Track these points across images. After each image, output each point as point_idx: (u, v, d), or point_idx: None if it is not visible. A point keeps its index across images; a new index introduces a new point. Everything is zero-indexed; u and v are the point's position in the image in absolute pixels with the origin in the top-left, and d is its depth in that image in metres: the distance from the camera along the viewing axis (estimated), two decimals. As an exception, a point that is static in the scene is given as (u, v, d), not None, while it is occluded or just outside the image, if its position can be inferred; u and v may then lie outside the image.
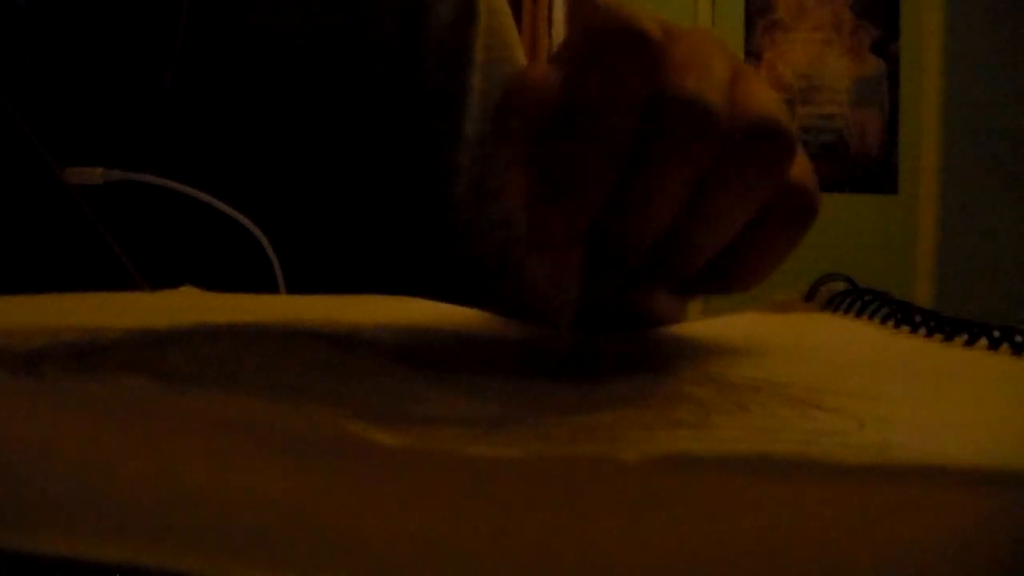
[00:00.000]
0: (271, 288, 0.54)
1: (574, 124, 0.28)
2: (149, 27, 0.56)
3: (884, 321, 0.38)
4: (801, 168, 0.32)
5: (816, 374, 0.29)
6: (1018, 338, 0.33)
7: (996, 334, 0.33)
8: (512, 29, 0.64)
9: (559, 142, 0.28)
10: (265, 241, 0.54)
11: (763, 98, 0.30)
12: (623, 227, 0.29)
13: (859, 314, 0.40)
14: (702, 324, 0.40)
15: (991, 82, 3.20)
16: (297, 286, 0.54)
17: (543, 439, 0.20)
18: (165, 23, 0.56)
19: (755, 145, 0.29)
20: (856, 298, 0.40)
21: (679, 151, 0.28)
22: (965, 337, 0.34)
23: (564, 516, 0.18)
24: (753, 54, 3.42)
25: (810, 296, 0.43)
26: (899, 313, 0.38)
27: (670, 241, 0.29)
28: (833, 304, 0.41)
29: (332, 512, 0.19)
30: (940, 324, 0.36)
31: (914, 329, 0.36)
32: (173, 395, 0.20)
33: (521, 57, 0.64)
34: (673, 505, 0.18)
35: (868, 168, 3.36)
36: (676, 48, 0.29)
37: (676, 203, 0.29)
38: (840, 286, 0.42)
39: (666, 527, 0.18)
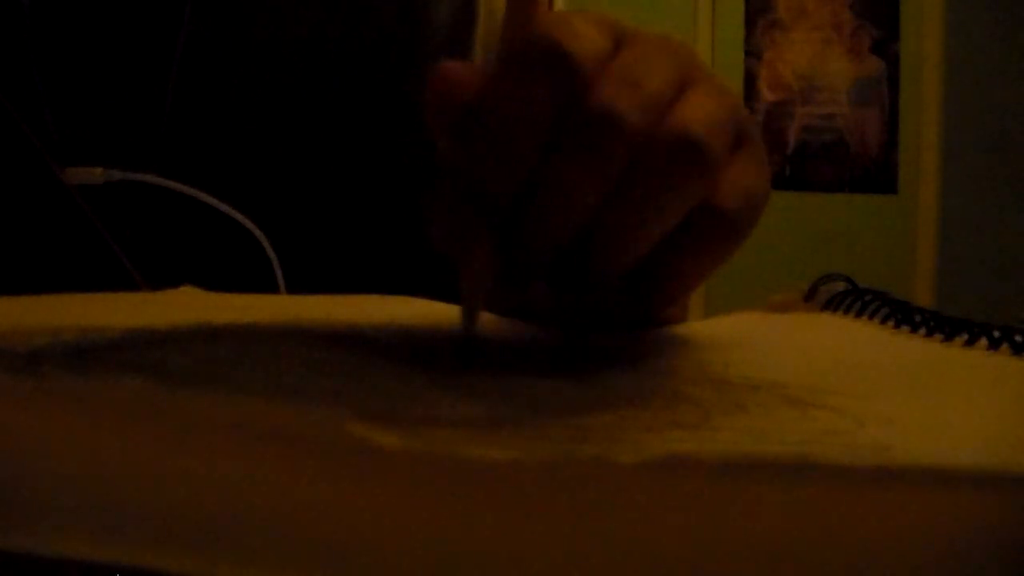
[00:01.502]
0: (271, 288, 0.54)
1: (484, 127, 0.29)
2: (151, 28, 0.56)
3: (884, 321, 0.38)
4: (738, 185, 0.31)
5: (816, 374, 0.29)
6: (1018, 338, 0.33)
7: (996, 334, 0.33)
8: (512, 29, 0.64)
9: (470, 141, 0.29)
10: (265, 241, 0.54)
11: (704, 112, 0.30)
12: (528, 230, 0.29)
13: (859, 314, 0.40)
14: (702, 324, 0.40)
15: (991, 82, 3.20)
16: (297, 286, 0.54)
17: (542, 440, 0.20)
18: (167, 24, 0.56)
19: (670, 160, 0.29)
20: (856, 298, 0.40)
21: (584, 161, 0.28)
22: (965, 337, 0.34)
23: (563, 518, 0.18)
24: (753, 54, 3.42)
25: (810, 296, 0.43)
26: (899, 313, 0.38)
27: (583, 246, 0.30)
28: (833, 304, 0.41)
29: (331, 512, 0.19)
30: (940, 324, 0.36)
31: (914, 329, 0.36)
32: (172, 395, 0.20)
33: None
34: (671, 507, 0.18)
35: (868, 168, 3.36)
36: (619, 58, 0.29)
37: (581, 212, 0.29)
38: (840, 286, 0.42)
39: (664, 529, 0.18)
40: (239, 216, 0.54)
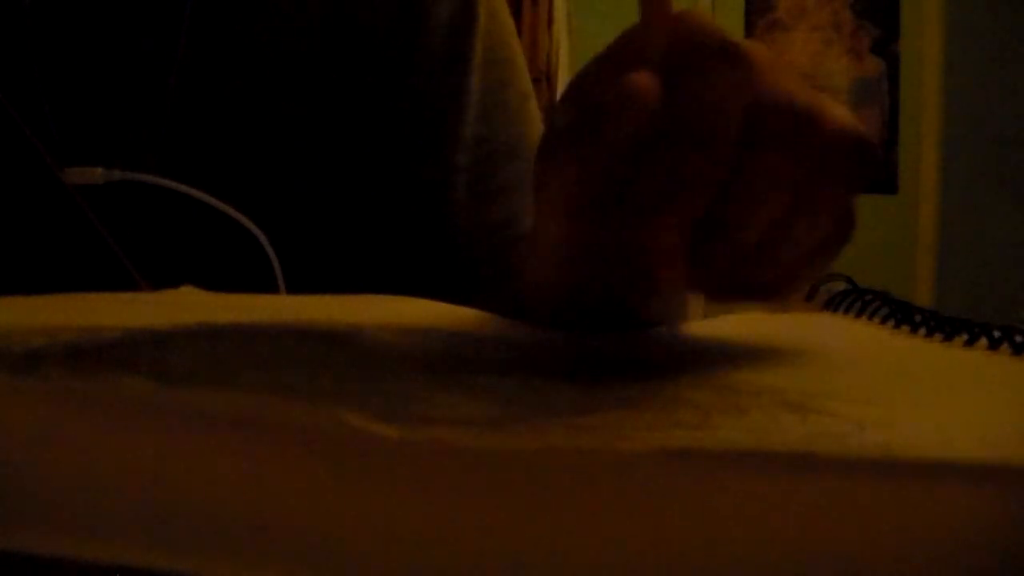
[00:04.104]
0: (271, 288, 0.54)
1: (678, 134, 0.28)
2: (151, 28, 0.56)
3: (884, 321, 0.38)
4: None
5: (816, 376, 0.29)
6: (1018, 338, 0.33)
7: (996, 334, 0.33)
8: (511, 30, 0.64)
9: (664, 151, 0.28)
10: (265, 241, 0.54)
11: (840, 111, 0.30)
12: (724, 234, 0.28)
13: (859, 314, 0.40)
14: (702, 325, 0.40)
15: (991, 82, 3.19)
16: (297, 286, 0.54)
17: (542, 437, 0.20)
18: (167, 24, 0.56)
19: (850, 159, 0.29)
20: (856, 298, 0.40)
21: (782, 155, 0.28)
22: (965, 337, 0.34)
23: (564, 507, 0.18)
24: (753, 54, 3.42)
25: (810, 296, 0.43)
26: (899, 313, 0.38)
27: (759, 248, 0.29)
28: (833, 304, 0.41)
29: (332, 507, 0.19)
30: (940, 324, 0.36)
31: (914, 329, 0.36)
32: (172, 394, 0.20)
33: (520, 59, 0.64)
34: (672, 498, 0.18)
35: (868, 168, 3.36)
36: (755, 57, 0.29)
37: (778, 209, 0.28)
38: (840, 286, 0.42)
39: (665, 519, 0.18)
40: (239, 216, 0.54)
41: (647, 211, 0.28)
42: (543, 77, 2.85)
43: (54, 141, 0.54)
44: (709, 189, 0.28)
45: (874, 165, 0.29)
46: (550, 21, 2.91)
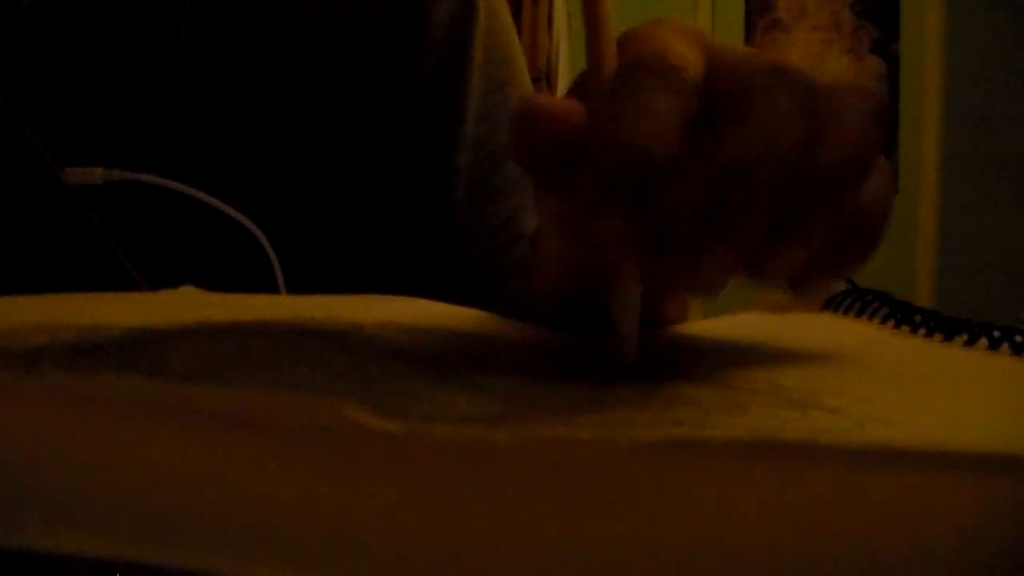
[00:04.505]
0: (271, 288, 0.54)
1: (596, 156, 0.27)
2: (151, 27, 0.56)
3: (884, 321, 0.38)
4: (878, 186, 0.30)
5: (816, 375, 0.29)
6: (1018, 338, 0.33)
7: (996, 334, 0.33)
8: (511, 30, 0.64)
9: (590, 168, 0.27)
10: (265, 241, 0.54)
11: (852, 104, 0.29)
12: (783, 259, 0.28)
13: (859, 314, 0.40)
14: (702, 325, 0.40)
15: (991, 82, 3.20)
16: (297, 286, 0.54)
17: (543, 432, 0.20)
18: (167, 24, 0.56)
19: (843, 165, 0.28)
20: (856, 298, 0.40)
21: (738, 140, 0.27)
22: (965, 337, 0.34)
23: (565, 502, 0.18)
24: (753, 54, 3.42)
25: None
26: (899, 313, 0.38)
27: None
28: (833, 304, 0.41)
29: (333, 503, 0.19)
30: (940, 324, 0.36)
31: (914, 329, 0.36)
32: (172, 394, 0.20)
33: (520, 59, 0.64)
34: (674, 491, 0.18)
35: (868, 168, 3.36)
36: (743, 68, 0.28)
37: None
38: (840, 286, 0.42)
39: (667, 512, 0.18)
40: (239, 216, 0.54)
41: (708, 239, 0.27)
42: (543, 77, 2.85)
43: (54, 141, 0.54)
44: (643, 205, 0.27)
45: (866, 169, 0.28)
46: (550, 21, 2.91)
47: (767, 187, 0.26)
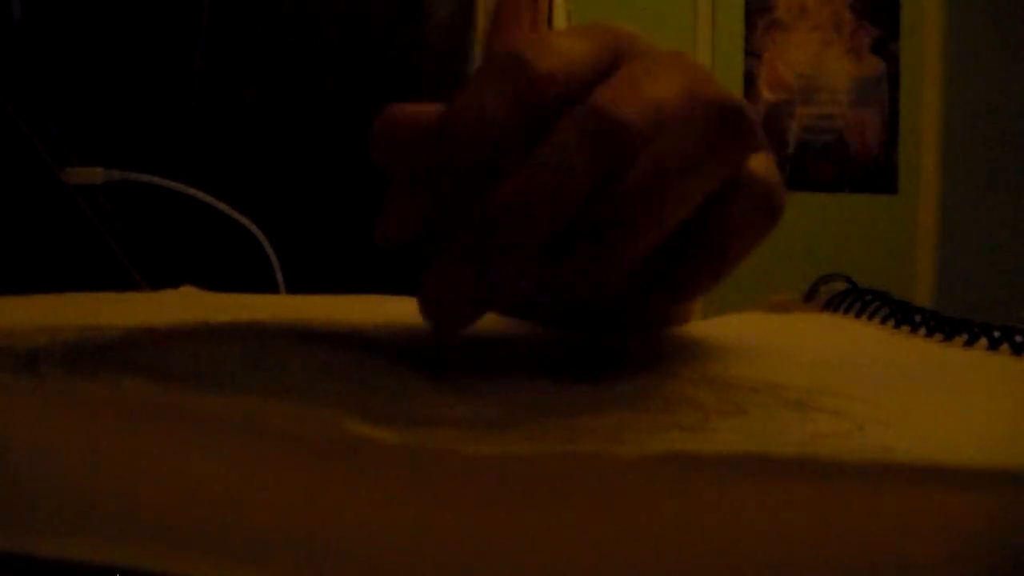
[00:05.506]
0: (271, 288, 0.54)
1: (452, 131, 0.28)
2: (151, 27, 0.56)
3: (884, 321, 0.38)
4: (766, 167, 0.31)
5: (816, 375, 0.29)
6: (1018, 338, 0.33)
7: (996, 334, 0.33)
8: (512, 29, 0.64)
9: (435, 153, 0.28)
10: (265, 241, 0.54)
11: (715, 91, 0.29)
12: (504, 223, 0.28)
13: (859, 314, 0.40)
14: (702, 325, 0.40)
15: (991, 82, 3.19)
16: (297, 286, 0.54)
17: (541, 440, 0.20)
18: (167, 23, 0.56)
19: (709, 126, 0.28)
20: (856, 298, 0.40)
21: (573, 151, 0.27)
22: (965, 337, 0.34)
23: (562, 513, 0.18)
24: (753, 54, 3.42)
25: (810, 296, 0.43)
26: (899, 313, 0.38)
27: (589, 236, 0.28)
28: (833, 304, 0.41)
29: (332, 511, 0.19)
30: (940, 324, 0.36)
31: (914, 329, 0.36)
32: (172, 395, 0.20)
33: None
34: (670, 504, 0.18)
35: (868, 168, 3.36)
36: (623, 71, 0.29)
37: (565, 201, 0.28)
38: (840, 286, 0.42)
39: (663, 525, 0.18)
40: (239, 216, 0.54)
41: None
42: (543, 77, 2.85)
43: (54, 141, 0.54)
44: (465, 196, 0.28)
45: (740, 131, 0.29)
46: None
47: (536, 219, 0.27)
